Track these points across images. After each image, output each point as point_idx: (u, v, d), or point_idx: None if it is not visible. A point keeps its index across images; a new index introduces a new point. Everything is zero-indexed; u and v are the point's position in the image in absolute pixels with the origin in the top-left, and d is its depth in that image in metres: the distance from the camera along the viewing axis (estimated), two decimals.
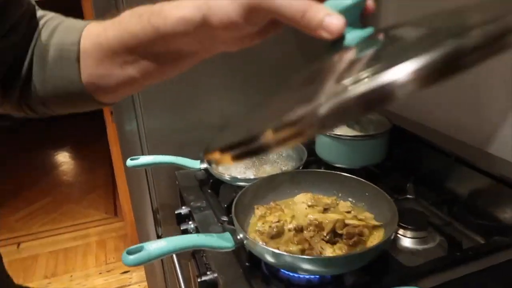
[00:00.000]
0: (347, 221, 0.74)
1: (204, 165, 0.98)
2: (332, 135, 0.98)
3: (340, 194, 0.85)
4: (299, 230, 0.73)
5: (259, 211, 0.79)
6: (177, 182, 1.09)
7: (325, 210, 0.80)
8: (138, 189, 1.18)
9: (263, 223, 0.76)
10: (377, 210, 0.78)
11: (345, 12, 0.33)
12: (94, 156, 3.35)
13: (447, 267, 0.69)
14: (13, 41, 0.41)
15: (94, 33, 0.42)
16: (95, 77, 0.42)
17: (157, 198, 1.17)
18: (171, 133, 1.10)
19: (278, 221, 0.75)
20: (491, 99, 0.88)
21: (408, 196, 0.97)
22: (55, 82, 0.43)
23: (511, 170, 0.84)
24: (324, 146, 1.03)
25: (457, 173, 0.92)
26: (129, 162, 0.96)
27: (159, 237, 1.24)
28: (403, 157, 1.04)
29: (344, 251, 0.67)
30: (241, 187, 0.96)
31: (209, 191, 0.99)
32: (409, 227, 0.79)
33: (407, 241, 0.79)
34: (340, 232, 0.71)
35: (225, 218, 0.87)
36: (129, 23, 0.39)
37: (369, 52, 0.32)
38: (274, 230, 0.73)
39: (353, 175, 1.00)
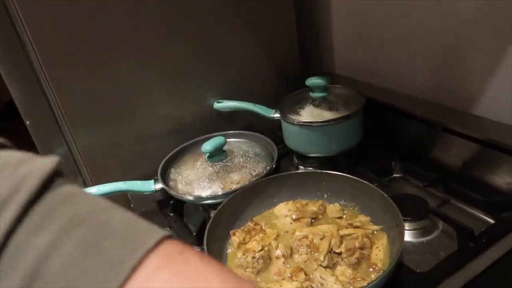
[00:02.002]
0: (342, 232, 0.63)
1: (159, 185, 0.82)
2: (301, 122, 0.85)
3: (325, 195, 0.73)
4: (288, 255, 0.61)
5: (236, 237, 0.66)
6: (132, 206, 0.92)
7: (313, 220, 0.68)
8: None
9: (244, 254, 0.63)
10: (372, 209, 0.67)
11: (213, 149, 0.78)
12: None
13: (463, 263, 0.60)
14: None
15: None
16: None
17: None
18: (111, 151, 0.91)
19: (261, 249, 0.62)
20: (472, 59, 0.78)
21: (395, 175, 0.87)
22: None
23: (503, 132, 0.75)
24: (294, 136, 0.90)
25: (445, 142, 0.82)
26: None
27: None
28: (382, 133, 0.93)
29: (348, 276, 0.55)
30: (208, 204, 0.82)
31: (171, 214, 0.84)
32: (407, 218, 0.69)
33: (407, 234, 0.69)
34: (338, 251, 0.59)
35: (196, 249, 0.73)
36: None
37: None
38: (260, 262, 0.60)
39: (332, 164, 0.90)
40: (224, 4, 0.93)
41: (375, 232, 0.63)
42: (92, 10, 0.79)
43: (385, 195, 0.63)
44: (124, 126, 0.91)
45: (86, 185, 0.92)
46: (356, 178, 0.68)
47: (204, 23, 0.92)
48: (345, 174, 0.70)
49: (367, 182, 0.67)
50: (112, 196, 0.89)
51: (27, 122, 0.84)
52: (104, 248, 0.24)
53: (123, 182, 0.82)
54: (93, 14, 0.79)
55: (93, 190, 0.80)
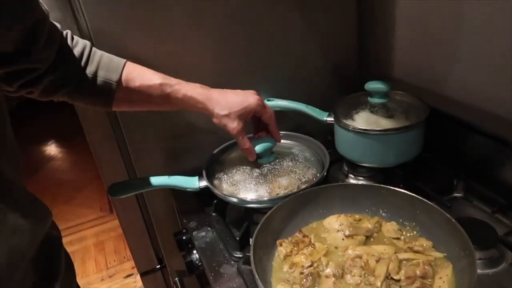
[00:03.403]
0: (401, 256, 0.57)
1: (204, 183, 0.79)
2: (358, 129, 0.79)
3: (381, 212, 0.67)
4: (339, 276, 0.56)
5: (283, 248, 0.62)
6: (174, 204, 0.90)
7: (367, 238, 0.63)
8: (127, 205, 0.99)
9: (291, 267, 0.59)
10: (434, 233, 0.60)
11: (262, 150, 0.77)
12: (80, 150, 3.13)
13: None
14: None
15: (135, 83, 0.66)
16: (121, 102, 0.68)
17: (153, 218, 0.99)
18: (158, 143, 0.90)
19: (311, 265, 0.58)
20: None
21: (456, 194, 0.80)
22: (97, 97, 0.65)
23: None
24: (347, 142, 0.84)
25: None
26: (112, 193, 0.78)
27: (158, 258, 1.07)
28: (443, 147, 0.86)
29: None
30: (253, 208, 0.78)
31: (213, 214, 0.81)
32: (474, 246, 0.62)
33: None
34: (396, 277, 0.54)
35: (238, 254, 0.70)
36: (166, 91, 0.68)
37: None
38: (309, 279, 0.55)
39: (386, 177, 0.84)
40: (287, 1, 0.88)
41: (437, 259, 0.57)
42: None
43: (453, 219, 0.57)
44: (172, 118, 0.89)
45: (130, 176, 0.91)
46: (419, 197, 0.62)
47: (263, 19, 0.88)
48: (405, 191, 0.64)
49: (431, 203, 0.61)
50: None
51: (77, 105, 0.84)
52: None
53: (167, 176, 0.80)
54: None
55: (137, 182, 0.79)
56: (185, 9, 0.80)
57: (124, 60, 0.67)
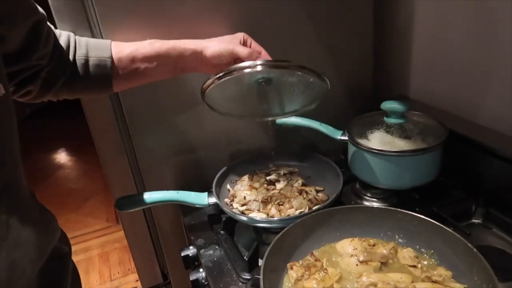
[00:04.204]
0: (418, 286, 0.54)
1: (213, 200, 0.77)
2: (373, 149, 0.77)
3: (397, 237, 0.65)
4: None
5: (294, 272, 0.59)
6: (182, 219, 0.88)
7: (382, 264, 0.60)
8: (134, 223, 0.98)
9: None
10: (453, 262, 0.58)
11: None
12: (89, 159, 3.14)
13: None
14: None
15: (125, 51, 0.67)
16: (119, 79, 0.68)
17: (160, 236, 0.97)
18: (167, 157, 0.88)
19: None
20: None
21: (474, 220, 0.77)
22: (95, 79, 0.65)
23: None
24: (362, 162, 0.82)
25: None
26: (120, 207, 0.77)
27: (163, 275, 1.05)
28: (462, 171, 0.83)
29: None
30: (263, 227, 0.76)
31: (221, 232, 0.79)
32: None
33: None
34: None
35: (247, 276, 0.67)
36: (155, 46, 0.68)
37: None
38: None
39: (401, 199, 0.81)
40: (303, 17, 0.88)
41: None
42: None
43: (474, 249, 0.54)
44: (182, 132, 0.88)
45: (138, 189, 0.89)
46: (438, 223, 0.60)
47: (280, 35, 0.87)
48: (423, 217, 0.61)
49: (451, 230, 0.58)
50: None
51: (88, 117, 0.83)
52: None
53: (176, 191, 0.78)
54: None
55: (146, 196, 0.77)
56: (201, 28, 0.80)
57: (109, 40, 0.68)
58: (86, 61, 0.64)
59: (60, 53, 0.62)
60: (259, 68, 0.62)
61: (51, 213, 0.50)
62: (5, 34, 0.49)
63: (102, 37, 0.74)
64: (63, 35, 0.64)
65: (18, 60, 0.55)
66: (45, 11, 0.59)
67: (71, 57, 0.63)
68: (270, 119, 0.79)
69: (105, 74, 0.65)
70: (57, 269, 0.50)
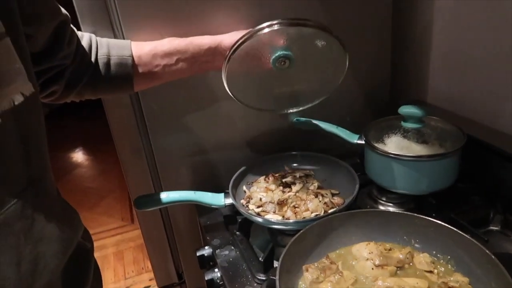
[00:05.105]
0: None
1: (230, 201, 0.78)
2: (391, 154, 0.77)
3: (413, 242, 0.64)
4: None
5: (309, 274, 0.59)
6: (198, 219, 0.89)
7: (398, 269, 0.60)
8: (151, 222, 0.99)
9: None
10: (471, 269, 0.57)
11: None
12: (106, 159, 3.20)
13: None
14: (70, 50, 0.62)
15: (145, 49, 0.69)
16: (140, 78, 0.70)
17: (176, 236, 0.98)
18: (185, 157, 0.90)
19: None
20: None
21: (492, 227, 0.76)
22: (116, 78, 0.67)
23: None
24: (379, 167, 0.82)
25: None
26: (138, 206, 0.78)
27: (178, 274, 1.06)
28: (481, 177, 0.82)
29: None
30: (278, 229, 0.76)
31: (237, 233, 0.79)
32: None
33: None
34: None
35: (262, 277, 0.68)
36: (174, 43, 0.70)
37: None
38: None
39: (418, 204, 0.81)
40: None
41: None
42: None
43: (493, 256, 0.53)
44: (200, 133, 0.89)
45: (155, 189, 0.91)
46: (456, 229, 0.59)
47: (297, 40, 0.87)
48: (441, 222, 0.61)
49: (469, 237, 0.57)
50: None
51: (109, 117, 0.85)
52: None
53: (193, 192, 0.79)
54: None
55: (163, 196, 0.79)
56: (223, 23, 0.81)
57: (129, 40, 0.71)
58: (108, 60, 0.66)
59: (83, 52, 0.65)
60: (276, 27, 0.62)
61: (74, 209, 0.52)
62: (32, 34, 0.51)
63: (123, 37, 0.76)
64: (85, 36, 0.67)
65: (43, 59, 0.57)
66: (69, 13, 0.61)
67: (93, 56, 0.66)
68: (291, 111, 0.80)
69: (126, 72, 0.67)
70: (80, 265, 0.52)
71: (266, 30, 0.62)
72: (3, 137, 0.38)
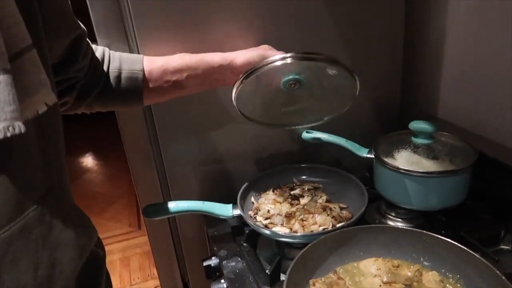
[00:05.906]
0: None
1: (237, 212, 0.78)
2: (401, 169, 0.77)
3: (421, 259, 0.64)
4: None
5: None
6: (205, 229, 0.90)
7: (407, 287, 0.60)
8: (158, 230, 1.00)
9: None
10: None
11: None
12: (115, 164, 3.22)
13: None
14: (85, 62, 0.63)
15: (157, 64, 0.70)
16: (150, 92, 0.70)
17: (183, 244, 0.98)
18: (194, 167, 0.90)
19: None
20: None
21: (503, 246, 0.75)
22: (126, 92, 0.68)
23: None
24: (388, 182, 0.81)
25: None
26: (147, 214, 0.79)
27: (185, 284, 1.06)
28: (491, 195, 0.81)
29: None
30: (286, 242, 0.76)
31: (244, 244, 0.80)
32: None
33: None
34: None
35: None
36: (185, 59, 0.71)
37: None
38: None
39: (427, 221, 0.80)
40: (332, 35, 0.89)
41: None
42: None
43: (503, 277, 0.53)
44: (210, 143, 0.90)
45: (164, 197, 0.91)
46: (466, 248, 0.59)
47: (311, 48, 0.88)
48: (450, 241, 0.61)
49: (479, 256, 0.57)
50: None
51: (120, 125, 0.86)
52: None
53: (202, 202, 0.80)
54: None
55: (172, 205, 0.79)
56: (237, 38, 0.82)
57: (142, 54, 0.72)
58: (119, 73, 0.68)
59: (96, 65, 0.66)
60: (289, 60, 0.62)
61: (88, 217, 0.53)
62: (50, 46, 0.52)
63: (138, 49, 0.78)
64: (98, 49, 0.68)
65: (58, 71, 0.59)
66: (86, 26, 0.63)
67: (105, 69, 0.67)
68: (300, 127, 0.80)
69: (136, 86, 0.68)
70: (93, 272, 0.52)
71: (279, 63, 0.63)
72: (26, 145, 0.39)
